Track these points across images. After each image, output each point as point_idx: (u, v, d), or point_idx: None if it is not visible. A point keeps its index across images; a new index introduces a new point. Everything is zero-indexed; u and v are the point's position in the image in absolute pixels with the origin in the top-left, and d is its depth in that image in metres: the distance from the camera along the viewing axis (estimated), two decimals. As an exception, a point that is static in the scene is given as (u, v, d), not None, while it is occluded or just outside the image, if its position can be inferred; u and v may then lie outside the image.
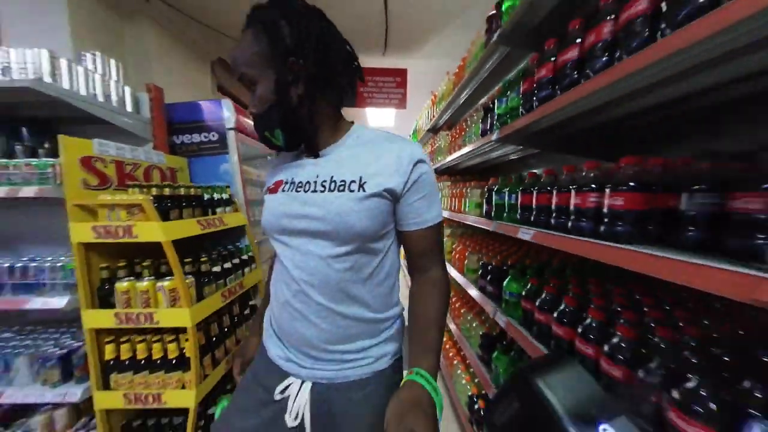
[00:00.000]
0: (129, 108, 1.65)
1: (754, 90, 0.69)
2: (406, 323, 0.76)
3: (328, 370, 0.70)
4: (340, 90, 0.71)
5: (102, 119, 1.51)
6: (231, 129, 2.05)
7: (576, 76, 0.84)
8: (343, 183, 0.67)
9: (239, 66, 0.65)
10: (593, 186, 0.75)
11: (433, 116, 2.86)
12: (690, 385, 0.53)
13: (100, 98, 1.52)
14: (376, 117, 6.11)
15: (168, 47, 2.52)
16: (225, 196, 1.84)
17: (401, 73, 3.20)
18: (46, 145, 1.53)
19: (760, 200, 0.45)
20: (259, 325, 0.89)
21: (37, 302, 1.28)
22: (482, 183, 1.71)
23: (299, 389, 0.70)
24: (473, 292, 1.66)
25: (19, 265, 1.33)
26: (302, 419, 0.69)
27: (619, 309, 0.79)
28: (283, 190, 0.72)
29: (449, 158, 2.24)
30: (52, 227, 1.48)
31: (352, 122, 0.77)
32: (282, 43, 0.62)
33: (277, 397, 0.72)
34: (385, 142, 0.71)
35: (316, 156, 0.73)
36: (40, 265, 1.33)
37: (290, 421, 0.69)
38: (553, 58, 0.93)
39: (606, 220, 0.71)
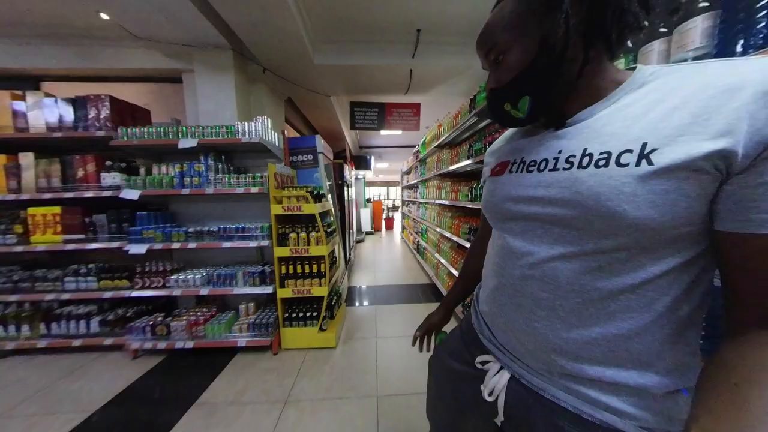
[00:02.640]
0: (276, 143, 3.02)
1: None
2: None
3: (532, 374, 0.56)
4: (621, 34, 0.48)
5: (265, 148, 2.88)
6: (320, 152, 3.42)
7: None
8: (605, 155, 0.45)
9: (495, 34, 0.52)
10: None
11: (438, 137, 4.20)
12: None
13: (268, 139, 2.88)
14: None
15: (270, 96, 3.91)
16: (322, 192, 3.20)
17: (416, 106, 4.58)
18: (230, 167, 2.89)
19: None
20: (451, 301, 0.99)
21: (252, 244, 2.64)
22: (469, 183, 3.06)
23: (498, 372, 0.62)
24: (467, 245, 3.02)
25: (241, 225, 2.69)
26: (497, 400, 0.61)
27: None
28: (510, 171, 0.59)
29: (452, 167, 3.58)
30: (259, 207, 2.88)
31: (633, 68, 0.50)
32: None
33: (477, 365, 0.66)
34: (697, 73, 0.42)
35: (559, 126, 0.54)
36: (251, 226, 2.70)
37: (486, 395, 0.62)
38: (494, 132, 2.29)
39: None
